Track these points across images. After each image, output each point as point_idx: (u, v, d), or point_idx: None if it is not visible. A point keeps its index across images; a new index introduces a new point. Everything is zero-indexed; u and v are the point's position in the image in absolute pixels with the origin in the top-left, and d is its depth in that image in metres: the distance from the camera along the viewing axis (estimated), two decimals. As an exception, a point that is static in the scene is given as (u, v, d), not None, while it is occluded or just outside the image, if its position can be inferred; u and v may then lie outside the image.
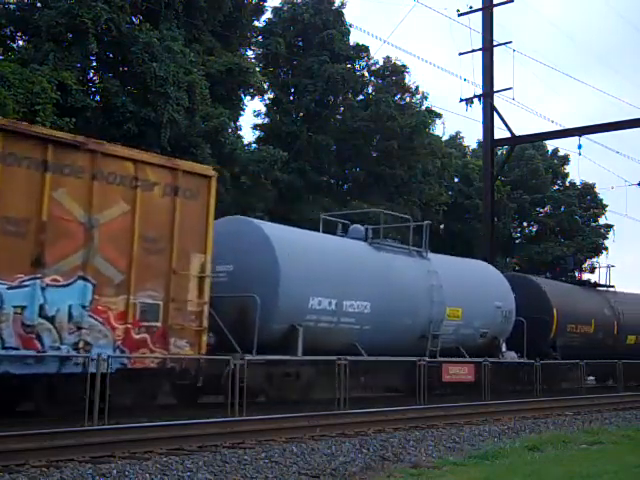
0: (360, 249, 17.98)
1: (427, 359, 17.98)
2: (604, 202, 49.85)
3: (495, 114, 30.26)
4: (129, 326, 12.31)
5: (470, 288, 20.27)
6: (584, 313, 25.71)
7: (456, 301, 19.39)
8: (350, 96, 34.41)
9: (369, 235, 18.43)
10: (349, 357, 15.90)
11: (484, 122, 30.43)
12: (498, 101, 30.41)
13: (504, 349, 21.03)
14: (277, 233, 15.98)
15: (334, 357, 15.66)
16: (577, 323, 25.08)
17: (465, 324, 19.71)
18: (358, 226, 18.87)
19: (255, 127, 34.23)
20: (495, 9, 30.63)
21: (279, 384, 15.31)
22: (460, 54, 30.77)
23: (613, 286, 29.09)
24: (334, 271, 16.53)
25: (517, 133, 30.65)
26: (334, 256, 16.93)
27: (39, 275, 11.34)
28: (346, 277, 16.75)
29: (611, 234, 48.77)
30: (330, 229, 19.43)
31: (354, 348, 16.51)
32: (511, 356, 21.12)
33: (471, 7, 30.18)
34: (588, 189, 50.02)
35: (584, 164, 39.48)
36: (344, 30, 33.58)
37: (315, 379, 16.01)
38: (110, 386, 11.68)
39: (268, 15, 33.22)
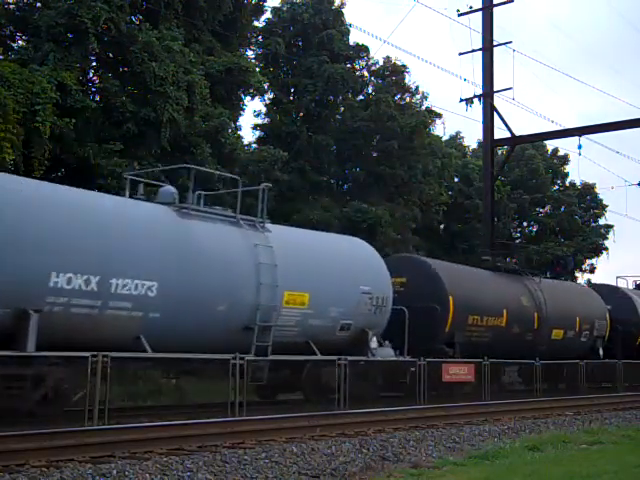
0: (152, 214, 13.87)
1: (427, 360, 17.65)
2: (604, 202, 49.99)
3: (495, 114, 30.27)
4: None
5: (323, 268, 16.29)
6: (493, 302, 21.47)
7: (300, 284, 15.53)
8: (350, 96, 34.43)
9: (189, 200, 14.67)
10: (349, 357, 15.86)
11: (484, 122, 30.43)
12: (498, 101, 30.46)
13: (374, 345, 16.97)
14: (4, 179, 12.23)
15: (334, 357, 15.62)
16: (483, 314, 20.79)
17: (315, 313, 15.79)
18: (169, 188, 15.04)
19: (255, 127, 34.30)
20: (495, 9, 30.66)
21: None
22: (460, 54, 30.81)
23: (538, 273, 25.90)
24: (95, 239, 12.35)
25: (517, 133, 30.67)
26: (99, 219, 12.66)
27: None
28: (116, 248, 12.61)
29: (611, 234, 48.89)
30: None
31: (138, 343, 12.76)
32: (385, 354, 17.30)
33: (471, 7, 30.22)
34: (588, 189, 50.08)
35: (584, 164, 39.57)
36: (344, 30, 33.65)
37: (68, 385, 12.23)
38: None
39: (268, 15, 33.35)
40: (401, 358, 17.66)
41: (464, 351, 19.61)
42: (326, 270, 16.40)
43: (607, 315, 26.57)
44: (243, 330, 14.44)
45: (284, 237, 16.10)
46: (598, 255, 48.89)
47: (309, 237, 17.62)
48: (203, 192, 15.44)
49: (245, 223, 15.36)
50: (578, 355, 23.90)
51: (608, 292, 27.91)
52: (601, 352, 25.74)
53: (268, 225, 15.92)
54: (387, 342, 17.57)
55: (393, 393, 18.24)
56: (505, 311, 21.68)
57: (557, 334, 24.03)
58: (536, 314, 23.03)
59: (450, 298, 19.61)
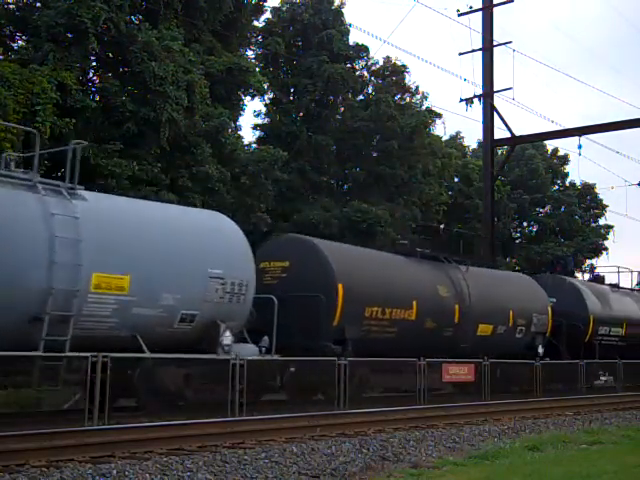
0: None
1: (427, 360, 17.50)
2: (604, 202, 50.03)
3: (495, 114, 30.31)
4: None
5: (154, 246, 13.37)
6: (400, 292, 18.39)
7: (117, 265, 12.63)
8: (350, 96, 34.44)
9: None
10: (352, 358, 15.83)
11: (484, 122, 30.46)
12: (498, 101, 30.50)
13: (228, 341, 14.06)
14: None
15: (333, 358, 15.59)
16: (385, 306, 17.67)
17: (141, 300, 12.89)
18: None
19: (255, 127, 34.30)
20: (495, 9, 30.71)
21: None
22: (460, 54, 30.88)
23: (466, 261, 22.20)
24: None
25: (517, 133, 30.70)
26: None
27: None
28: None
29: (611, 235, 48.91)
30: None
31: None
32: (247, 352, 14.40)
33: (471, 7, 30.28)
34: (588, 189, 50.12)
35: (584, 164, 39.51)
36: (344, 30, 33.64)
37: None
38: None
39: (268, 15, 33.35)
40: (268, 357, 14.94)
41: (360, 349, 16.53)
42: (158, 248, 13.43)
43: (549, 308, 23.73)
44: (31, 321, 11.61)
45: (102, 207, 13.16)
46: (598, 255, 48.94)
47: (140, 208, 14.27)
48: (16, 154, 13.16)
49: (45, 188, 12.35)
50: (513, 354, 21.23)
51: (554, 283, 25.33)
52: (541, 350, 22.88)
53: (84, 192, 12.95)
54: (265, 338, 15.10)
55: (269, 397, 15.84)
56: (415, 302, 18.55)
57: (484, 329, 20.86)
58: (457, 306, 19.93)
59: (339, 286, 16.44)
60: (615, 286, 28.71)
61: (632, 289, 30.19)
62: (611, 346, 25.78)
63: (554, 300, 24.26)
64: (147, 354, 12.80)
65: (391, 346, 17.55)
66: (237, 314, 14.49)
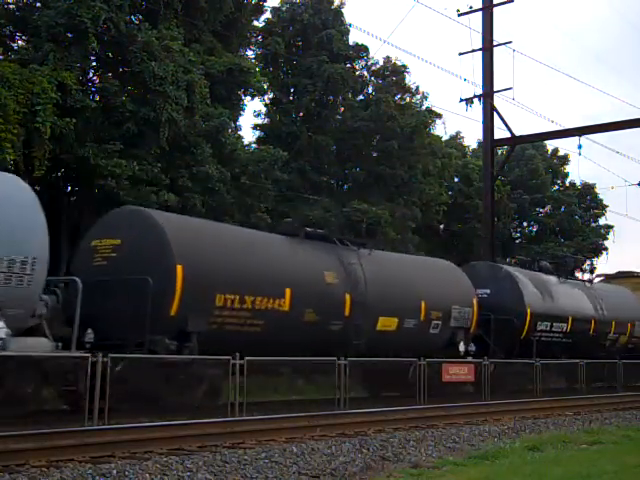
0: None
1: (427, 360, 17.47)
2: (604, 202, 50.06)
3: (495, 114, 30.29)
4: None
5: None
6: (268, 277, 15.58)
7: None
8: (350, 96, 34.45)
9: None
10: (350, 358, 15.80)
11: (484, 122, 30.45)
12: (498, 101, 30.52)
13: (1, 334, 11.21)
14: None
15: (333, 358, 15.58)
16: (246, 293, 14.88)
17: None
18: None
19: (255, 127, 34.28)
20: (495, 9, 30.70)
21: None
22: (460, 54, 30.85)
23: (366, 243, 19.46)
24: None
25: (517, 133, 30.69)
26: None
27: None
28: None
29: (611, 235, 48.94)
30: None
31: None
32: (35, 346, 11.94)
33: (471, 7, 30.26)
34: (588, 189, 50.14)
35: (584, 164, 39.58)
36: (343, 30, 33.65)
37: None
38: None
39: (267, 15, 33.35)
40: (66, 353, 12.28)
41: (210, 345, 13.84)
42: None
43: (474, 300, 20.88)
44: None
45: None
46: (598, 255, 48.96)
47: None
48: None
49: None
50: (427, 352, 18.28)
51: (489, 273, 22.81)
52: (462, 348, 20.04)
53: None
54: (90, 331, 12.80)
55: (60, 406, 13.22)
56: (289, 290, 15.80)
57: (386, 324, 18.05)
58: (348, 296, 17.10)
59: (178, 267, 13.66)
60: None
61: (584, 280, 28.04)
62: (553, 343, 23.34)
63: (487, 291, 21.81)
64: (149, 355, 12.78)
65: (256, 342, 14.94)
66: (18, 300, 11.52)
